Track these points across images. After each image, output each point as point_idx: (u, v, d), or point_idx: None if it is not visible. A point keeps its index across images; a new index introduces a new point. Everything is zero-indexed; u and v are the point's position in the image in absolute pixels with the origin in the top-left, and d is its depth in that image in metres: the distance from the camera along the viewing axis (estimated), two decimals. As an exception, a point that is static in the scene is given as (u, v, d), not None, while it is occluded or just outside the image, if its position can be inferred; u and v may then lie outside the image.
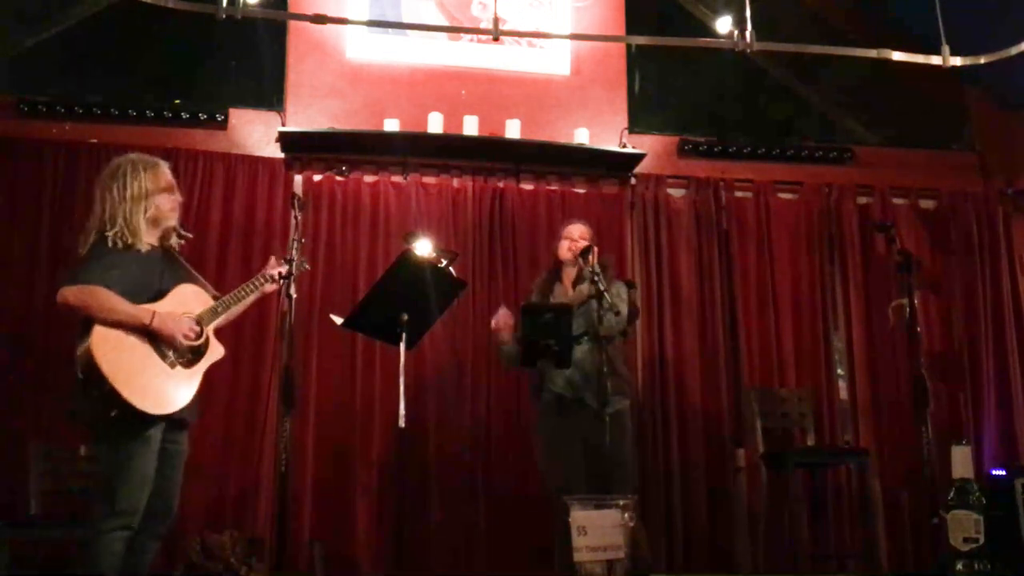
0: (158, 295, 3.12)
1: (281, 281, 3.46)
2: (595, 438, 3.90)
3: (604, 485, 3.75)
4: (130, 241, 3.08)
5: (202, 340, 3.16)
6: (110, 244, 3.07)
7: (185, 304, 3.16)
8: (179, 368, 3.09)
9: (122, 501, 2.94)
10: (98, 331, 2.96)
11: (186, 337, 3.07)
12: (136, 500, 2.96)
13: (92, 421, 3.03)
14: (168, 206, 3.22)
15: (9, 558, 3.96)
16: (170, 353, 3.07)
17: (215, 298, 3.28)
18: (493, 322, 4.28)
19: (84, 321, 3.00)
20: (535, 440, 4.29)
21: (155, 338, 3.04)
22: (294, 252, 3.53)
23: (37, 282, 4.73)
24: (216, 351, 3.22)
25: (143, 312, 3.01)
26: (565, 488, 3.78)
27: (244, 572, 4.25)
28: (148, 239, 3.14)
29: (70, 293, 2.99)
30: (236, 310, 3.38)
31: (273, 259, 3.54)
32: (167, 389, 3.05)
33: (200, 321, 3.16)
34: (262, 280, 3.43)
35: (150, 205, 3.14)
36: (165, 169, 3.25)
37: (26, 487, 4.27)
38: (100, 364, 2.93)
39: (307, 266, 3.68)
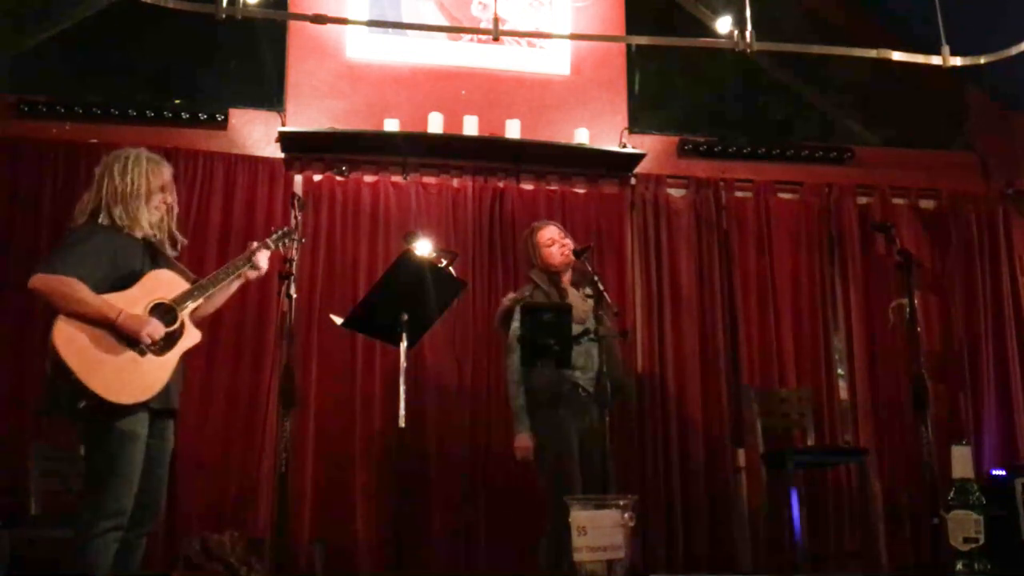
0: (132, 277, 3.05)
1: (262, 265, 3.35)
2: (584, 430, 3.90)
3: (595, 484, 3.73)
4: (127, 224, 3.06)
5: (176, 325, 3.07)
6: (101, 222, 3.03)
7: (159, 289, 3.09)
8: (150, 356, 3.00)
9: (110, 502, 2.89)
10: (60, 321, 2.90)
11: (150, 337, 2.98)
12: (124, 500, 2.91)
13: (67, 414, 2.98)
14: (162, 207, 3.19)
15: (9, 558, 3.96)
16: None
17: (192, 283, 3.21)
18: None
19: (52, 310, 2.94)
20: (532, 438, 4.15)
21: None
22: (293, 252, 3.51)
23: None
24: (192, 336, 3.13)
25: (110, 309, 2.94)
26: (570, 487, 3.77)
27: (244, 572, 4.25)
28: (141, 229, 3.10)
29: (39, 280, 2.95)
30: (217, 297, 3.28)
31: (254, 244, 3.41)
32: (137, 377, 2.96)
33: (174, 306, 3.08)
34: (241, 262, 3.31)
35: (148, 198, 3.12)
36: (166, 170, 3.23)
37: (26, 487, 4.26)
38: (64, 356, 2.86)
39: (303, 239, 3.58)
